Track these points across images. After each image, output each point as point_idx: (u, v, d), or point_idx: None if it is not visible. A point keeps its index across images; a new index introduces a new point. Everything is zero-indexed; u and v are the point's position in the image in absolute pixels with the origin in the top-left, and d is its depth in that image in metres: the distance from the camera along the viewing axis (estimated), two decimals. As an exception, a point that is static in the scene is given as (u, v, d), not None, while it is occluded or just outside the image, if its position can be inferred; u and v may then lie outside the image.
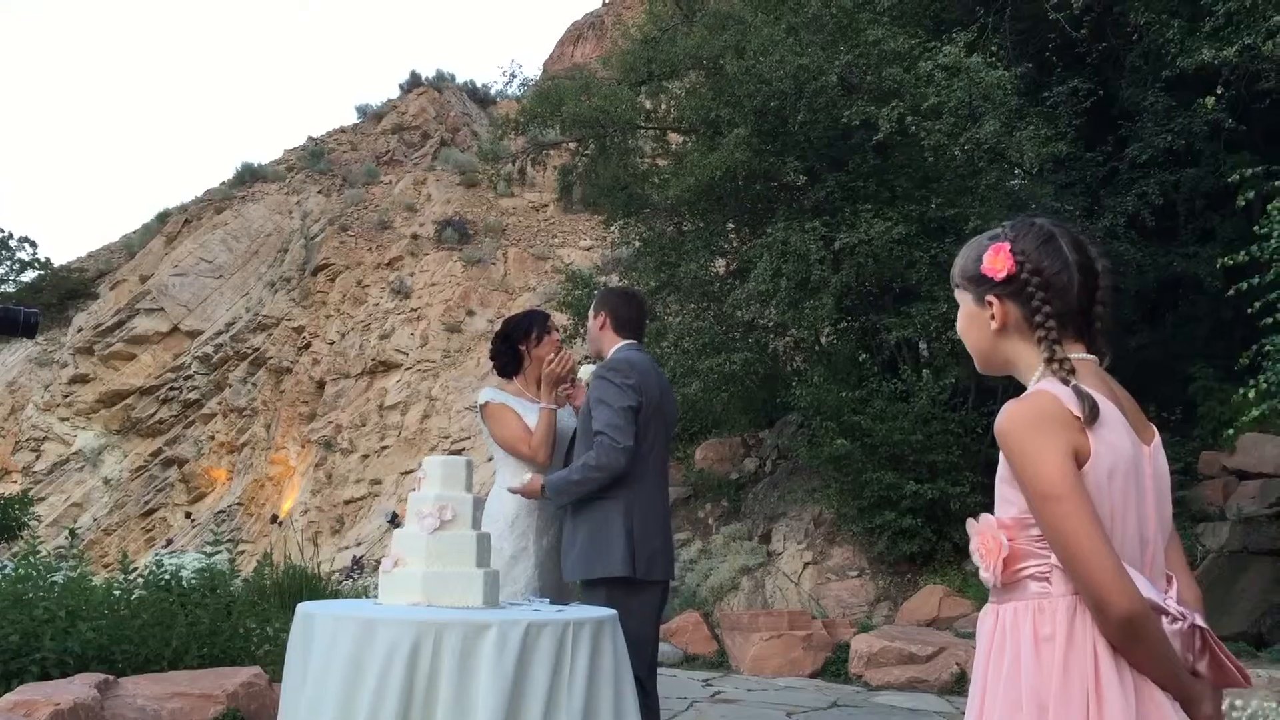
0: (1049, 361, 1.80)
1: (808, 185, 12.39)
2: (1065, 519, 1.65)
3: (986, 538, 1.82)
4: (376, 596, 3.32)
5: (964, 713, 5.99)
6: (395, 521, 24.72)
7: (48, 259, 41.05)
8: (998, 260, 1.86)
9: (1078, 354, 1.82)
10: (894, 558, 10.58)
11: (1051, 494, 1.66)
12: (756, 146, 11.57)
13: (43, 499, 29.24)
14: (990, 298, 1.88)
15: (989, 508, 7.22)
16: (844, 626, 8.97)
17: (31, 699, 4.79)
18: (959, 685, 7.42)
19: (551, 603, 3.58)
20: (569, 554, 3.86)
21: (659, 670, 8.19)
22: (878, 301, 11.93)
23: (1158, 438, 1.88)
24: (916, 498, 10.05)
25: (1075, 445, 1.69)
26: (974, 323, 1.94)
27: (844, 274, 10.86)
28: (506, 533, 3.90)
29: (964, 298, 1.97)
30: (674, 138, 14.99)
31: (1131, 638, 1.64)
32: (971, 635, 8.32)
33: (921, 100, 10.26)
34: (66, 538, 9.98)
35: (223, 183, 41.18)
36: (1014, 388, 1.92)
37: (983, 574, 1.82)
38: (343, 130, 45.48)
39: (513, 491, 3.88)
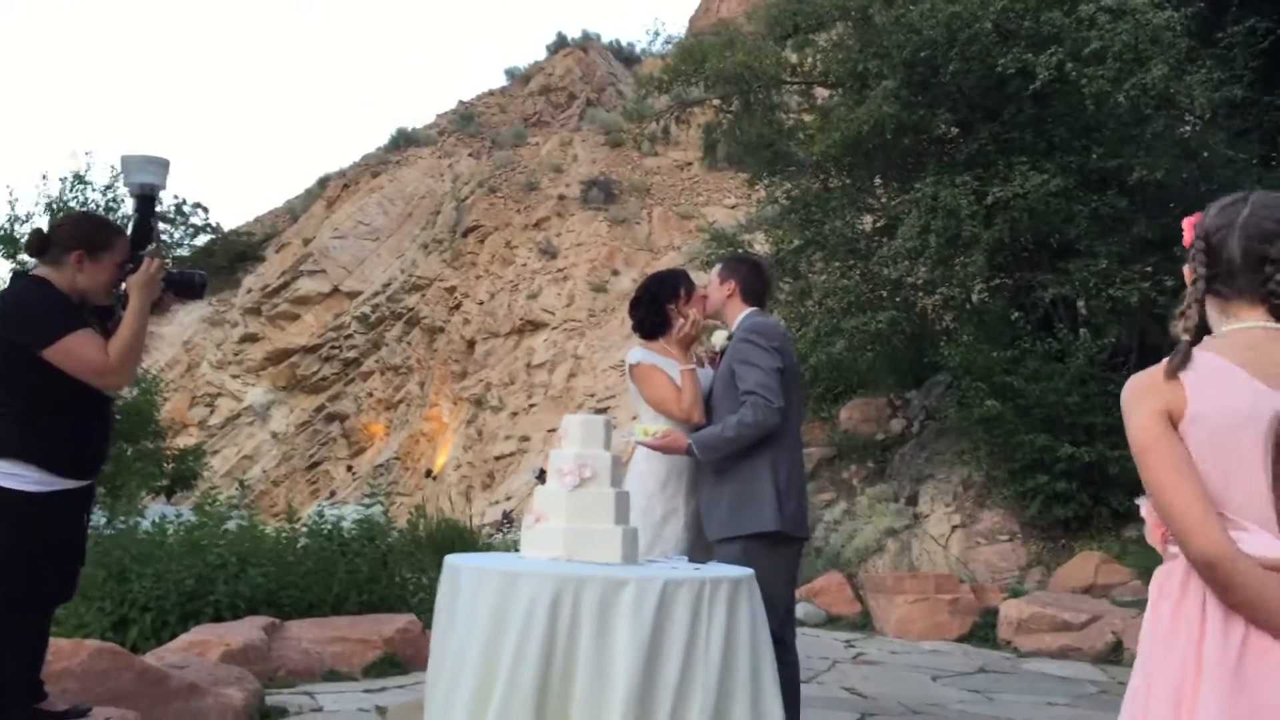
0: (1181, 315, 1.91)
1: (959, 138, 11.98)
2: (1150, 469, 1.83)
3: (1149, 509, 1.95)
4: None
5: (1120, 683, 5.80)
6: (542, 478, 25.29)
7: (218, 224, 43.26)
8: (1188, 229, 1.98)
9: (1254, 320, 1.87)
10: (1046, 523, 10.26)
11: (1139, 447, 1.85)
12: (906, 99, 11.24)
13: (217, 451, 31.03)
14: (1185, 266, 1.99)
15: (1151, 472, 6.74)
16: (993, 592, 8.75)
17: (205, 639, 5.13)
18: (1115, 654, 7.16)
19: (690, 561, 3.62)
20: (713, 512, 3.91)
21: (800, 629, 8.18)
22: (1033, 258, 11.49)
23: None
24: (1072, 461, 9.69)
25: (1168, 404, 1.83)
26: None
27: (997, 229, 10.48)
28: (657, 494, 3.97)
29: None
30: (820, 92, 14.69)
31: (1217, 583, 1.73)
32: (1130, 604, 8.04)
33: (1083, 45, 9.77)
34: (238, 488, 10.71)
35: (378, 147, 42.55)
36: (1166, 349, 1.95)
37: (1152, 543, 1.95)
38: (491, 93, 46.29)
39: (647, 446, 3.91)
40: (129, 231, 3.48)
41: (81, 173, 13.54)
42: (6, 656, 3.05)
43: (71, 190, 13.43)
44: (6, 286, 3.37)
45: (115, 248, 3.29)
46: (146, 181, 3.45)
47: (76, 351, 3.10)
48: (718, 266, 4.29)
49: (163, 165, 3.48)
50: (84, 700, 3.67)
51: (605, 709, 2.83)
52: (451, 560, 3.26)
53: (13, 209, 12.77)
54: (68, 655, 3.85)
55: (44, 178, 12.21)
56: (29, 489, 3.06)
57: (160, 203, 3.48)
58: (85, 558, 3.39)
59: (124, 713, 3.47)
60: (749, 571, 3.23)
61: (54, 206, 13.28)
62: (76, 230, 3.32)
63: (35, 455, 3.08)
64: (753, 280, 4.17)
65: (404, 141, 41.87)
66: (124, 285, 3.33)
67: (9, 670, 3.07)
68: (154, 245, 3.52)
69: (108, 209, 13.01)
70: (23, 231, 12.89)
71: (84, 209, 13.08)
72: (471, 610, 2.98)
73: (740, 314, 4.08)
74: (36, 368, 3.09)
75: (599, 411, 24.44)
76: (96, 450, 3.32)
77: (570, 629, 2.87)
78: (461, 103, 45.46)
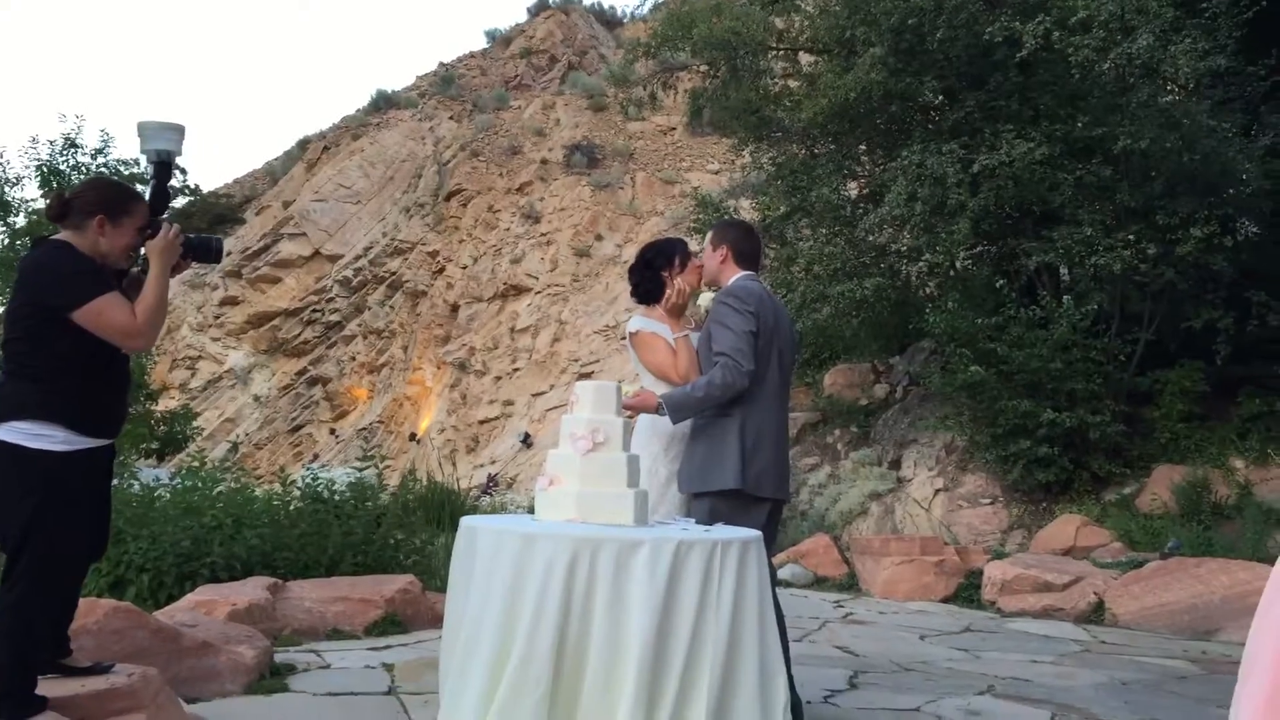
0: None
1: (946, 106, 12.05)
2: None
3: None
4: (515, 512, 3.51)
5: (1103, 642, 5.96)
6: (528, 442, 25.38)
7: (197, 186, 42.54)
8: None
9: None
10: (1028, 486, 10.45)
11: None
12: (893, 66, 11.28)
13: (199, 414, 30.86)
14: None
15: (1130, 437, 7.32)
16: (976, 554, 8.93)
17: (211, 599, 5.22)
18: (1096, 614, 7.35)
19: (698, 522, 3.72)
20: (685, 467, 4.03)
21: (788, 590, 8.32)
22: (1017, 225, 11.61)
23: None
24: (1054, 426, 9.87)
25: None
26: None
27: (982, 197, 10.59)
28: (661, 456, 4.07)
29: None
30: (806, 59, 14.70)
31: None
32: (1111, 566, 8.23)
33: (1069, 14, 9.84)
34: (229, 451, 10.73)
35: (358, 109, 42.14)
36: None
37: None
38: (472, 55, 45.86)
39: (625, 407, 3.87)
40: (147, 197, 3.53)
41: (72, 136, 13.40)
42: (39, 613, 3.12)
43: (62, 154, 13.32)
44: (30, 251, 3.41)
45: (136, 213, 3.34)
46: (163, 148, 3.49)
47: (106, 314, 3.15)
48: (710, 233, 4.34)
49: (179, 131, 3.53)
50: (101, 657, 3.76)
51: (620, 667, 2.94)
52: (468, 522, 3.35)
53: (3, 171, 12.66)
54: (84, 614, 3.92)
55: (34, 141, 12.17)
56: (56, 448, 3.11)
57: (177, 169, 3.51)
58: (110, 516, 3.47)
59: (145, 669, 3.54)
60: (757, 534, 3.34)
61: (44, 170, 13.17)
62: (98, 195, 3.36)
63: (60, 415, 3.13)
64: (743, 243, 4.22)
65: (384, 103, 41.50)
66: (143, 250, 3.40)
67: (40, 627, 3.15)
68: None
69: (98, 174, 12.95)
70: (12, 195, 12.83)
71: (93, 175, 13.06)
72: (490, 571, 3.08)
73: (733, 277, 4.14)
74: (61, 330, 3.14)
75: (583, 376, 24.53)
76: (117, 410, 3.38)
77: (586, 589, 2.97)
78: (442, 64, 45.04)
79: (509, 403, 27.92)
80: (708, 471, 3.91)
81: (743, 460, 3.88)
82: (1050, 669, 5.69)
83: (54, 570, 3.14)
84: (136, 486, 7.10)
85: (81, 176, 13.11)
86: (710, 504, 3.86)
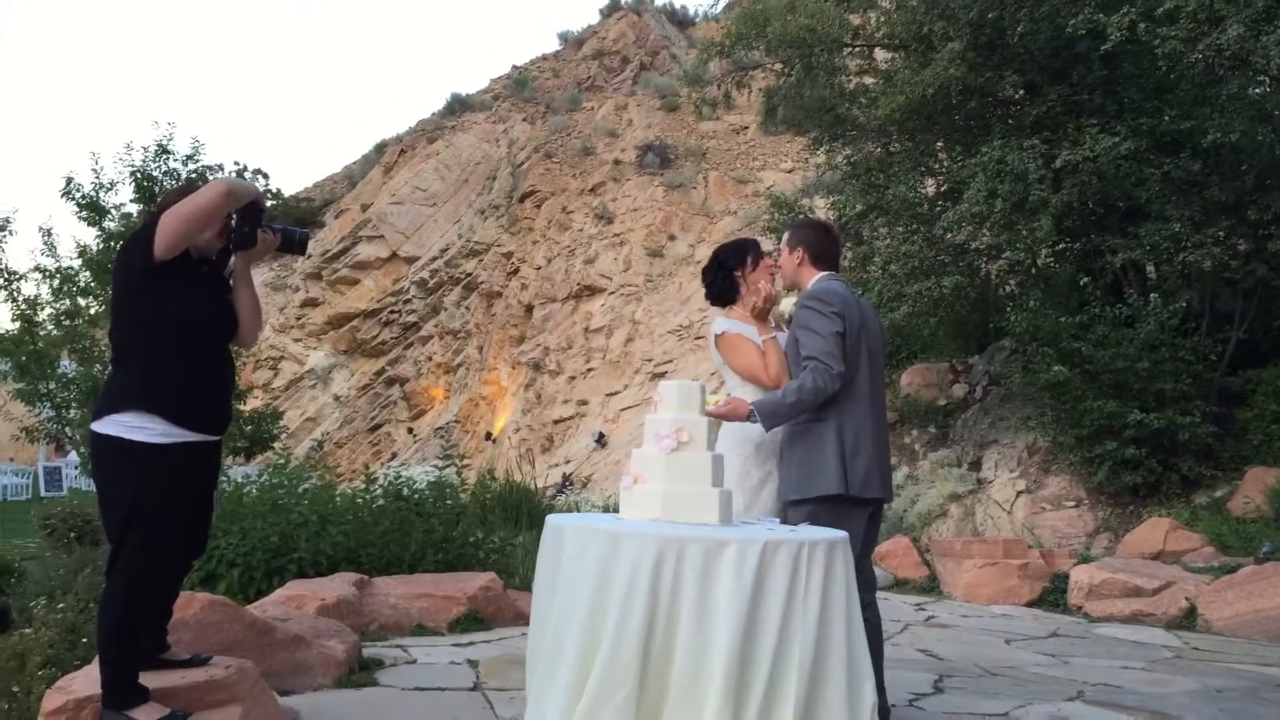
0: None
1: (1026, 100, 11.83)
2: None
3: None
4: (590, 511, 3.52)
5: (1195, 649, 5.80)
6: (602, 441, 25.49)
7: (279, 190, 43.60)
8: None
9: None
10: (1114, 489, 10.21)
11: None
12: (972, 61, 11.11)
13: (282, 413, 31.63)
14: None
15: (1222, 439, 7.14)
16: (1061, 557, 8.75)
17: (301, 594, 5.33)
18: (1188, 620, 7.16)
19: (782, 522, 3.70)
20: (785, 474, 3.97)
21: (869, 593, 8.24)
22: (1101, 222, 11.35)
23: None
24: (1141, 427, 9.63)
25: None
26: None
27: (1065, 193, 10.38)
28: (753, 457, 4.04)
29: None
30: (882, 55, 14.55)
31: None
32: (1203, 571, 8.00)
33: (1155, 4, 9.58)
34: (312, 450, 11.03)
35: (434, 113, 42.80)
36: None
37: None
38: (545, 58, 46.23)
39: (712, 415, 3.76)
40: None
41: (164, 143, 13.79)
42: (140, 605, 3.21)
43: (156, 160, 13.72)
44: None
45: None
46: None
47: (178, 208, 3.22)
48: (785, 235, 4.25)
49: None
50: (197, 649, 3.86)
51: (707, 668, 2.93)
52: (554, 520, 3.37)
53: (98, 176, 13.07)
54: (181, 607, 4.03)
55: (128, 147, 12.55)
56: (154, 440, 3.16)
57: (266, 212, 3.61)
58: (211, 515, 3.54)
59: (241, 662, 3.64)
60: (843, 534, 3.30)
61: (138, 175, 13.57)
62: (178, 189, 3.50)
63: (158, 406, 3.18)
64: (819, 244, 4.13)
65: (459, 107, 42.09)
66: (231, 260, 3.55)
67: (140, 620, 3.24)
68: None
69: (189, 179, 13.34)
70: (105, 199, 13.27)
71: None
72: (576, 569, 3.10)
73: (813, 279, 4.06)
74: (150, 295, 3.20)
75: (657, 376, 24.57)
76: (218, 403, 3.40)
77: (673, 589, 2.97)
78: (515, 67, 45.54)
79: (583, 402, 28.08)
80: (807, 478, 3.85)
81: (843, 463, 3.82)
82: (1142, 675, 5.55)
83: (150, 564, 3.20)
84: (227, 483, 7.31)
85: (173, 183, 13.51)
86: (809, 510, 3.80)
